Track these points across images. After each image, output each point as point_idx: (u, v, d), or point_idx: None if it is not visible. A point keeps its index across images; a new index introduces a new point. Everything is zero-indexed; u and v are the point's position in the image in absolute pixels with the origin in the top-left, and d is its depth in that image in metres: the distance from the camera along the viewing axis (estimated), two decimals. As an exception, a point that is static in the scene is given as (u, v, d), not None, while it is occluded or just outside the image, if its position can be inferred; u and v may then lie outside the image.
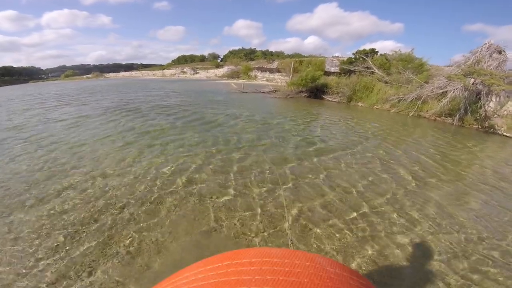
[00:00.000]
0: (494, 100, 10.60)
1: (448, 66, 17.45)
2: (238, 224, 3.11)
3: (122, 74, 53.90)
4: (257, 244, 2.79)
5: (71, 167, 4.67)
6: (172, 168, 4.59)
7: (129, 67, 78.32)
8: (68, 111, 11.02)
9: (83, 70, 69.93)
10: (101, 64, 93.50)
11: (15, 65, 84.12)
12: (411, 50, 15.59)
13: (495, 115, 10.57)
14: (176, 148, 5.73)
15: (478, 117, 10.53)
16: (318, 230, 3.01)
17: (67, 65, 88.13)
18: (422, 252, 2.77)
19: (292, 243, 1.97)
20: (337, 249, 2.75)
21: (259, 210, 3.37)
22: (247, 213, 3.31)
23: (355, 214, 3.38)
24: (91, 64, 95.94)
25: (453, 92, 11.13)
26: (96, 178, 4.20)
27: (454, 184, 4.50)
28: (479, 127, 10.35)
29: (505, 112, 10.33)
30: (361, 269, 2.52)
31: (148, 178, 4.21)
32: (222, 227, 3.06)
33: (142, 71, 56.54)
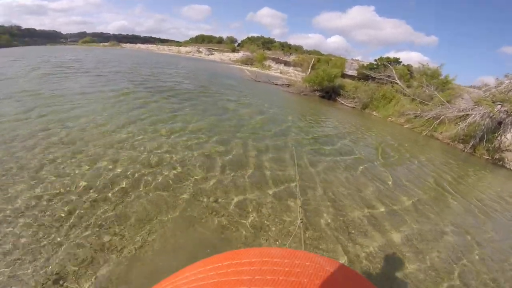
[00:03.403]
0: (512, 132, 10.09)
1: (471, 87, 16.76)
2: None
3: (139, 46, 53.11)
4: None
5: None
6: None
7: (147, 40, 77.42)
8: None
9: (102, 38, 69.39)
10: (120, 34, 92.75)
11: (37, 28, 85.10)
12: (440, 65, 14.81)
13: (509, 149, 10.08)
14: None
15: (491, 148, 10.06)
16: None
17: (88, 32, 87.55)
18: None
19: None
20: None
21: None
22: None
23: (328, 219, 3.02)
24: (111, 33, 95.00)
25: (474, 117, 10.58)
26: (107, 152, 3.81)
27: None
28: (489, 158, 9.90)
29: (518, 146, 9.84)
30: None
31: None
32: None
33: (158, 45, 55.56)
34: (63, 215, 2.48)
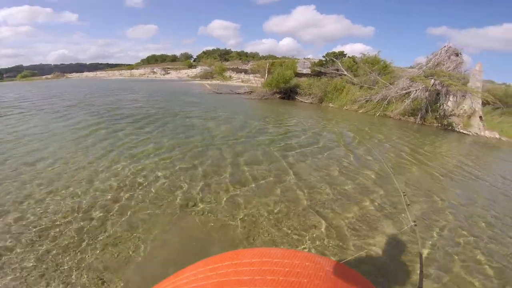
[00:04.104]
0: (451, 99, 11.56)
1: (411, 68, 18.74)
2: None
3: (86, 74, 50.56)
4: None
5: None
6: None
7: (94, 67, 73.09)
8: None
9: (43, 70, 64.25)
10: (63, 64, 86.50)
11: None
12: (377, 52, 16.49)
13: (453, 114, 11.55)
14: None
15: (438, 116, 11.44)
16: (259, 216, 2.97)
17: (25, 64, 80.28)
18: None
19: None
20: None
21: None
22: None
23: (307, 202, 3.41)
24: (52, 64, 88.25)
25: (415, 93, 11.95)
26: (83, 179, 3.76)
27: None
28: (439, 125, 11.21)
29: (461, 111, 11.28)
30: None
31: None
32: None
33: (108, 71, 53.48)
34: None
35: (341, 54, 19.77)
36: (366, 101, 13.11)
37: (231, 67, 38.81)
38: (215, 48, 63.92)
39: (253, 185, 4.05)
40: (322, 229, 3.05)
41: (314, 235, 2.94)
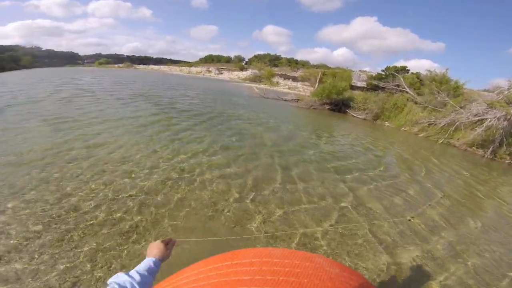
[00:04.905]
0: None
1: (485, 91, 16.43)
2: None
3: (151, 67, 55.92)
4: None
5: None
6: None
7: (159, 61, 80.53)
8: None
9: (117, 59, 72.77)
10: (134, 56, 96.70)
11: (56, 50, 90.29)
12: (445, 70, 14.76)
13: None
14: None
15: None
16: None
17: (103, 53, 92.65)
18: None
19: None
20: None
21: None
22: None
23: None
24: (125, 54, 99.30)
25: (491, 121, 10.36)
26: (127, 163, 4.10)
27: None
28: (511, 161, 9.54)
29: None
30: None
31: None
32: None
33: (170, 66, 58.21)
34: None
35: (404, 69, 18.27)
36: (429, 124, 11.81)
37: (279, 73, 38.90)
38: (266, 53, 65.03)
39: (308, 206, 3.80)
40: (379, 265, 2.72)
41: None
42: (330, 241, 3.02)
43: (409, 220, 3.79)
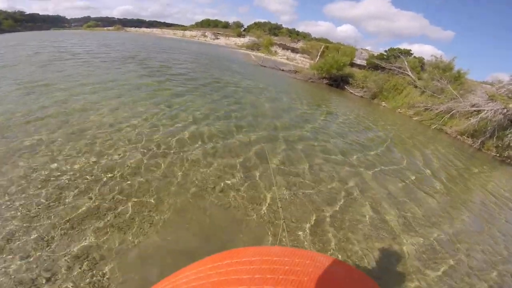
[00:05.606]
0: (525, 130, 9.88)
1: (483, 83, 16.38)
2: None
3: (143, 30, 52.12)
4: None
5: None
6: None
7: (151, 24, 75.69)
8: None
9: (107, 22, 68.47)
10: (125, 18, 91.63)
11: (41, 13, 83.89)
12: (453, 59, 14.34)
13: None
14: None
15: (500, 145, 9.87)
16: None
17: (93, 16, 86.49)
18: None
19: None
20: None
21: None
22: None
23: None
24: (116, 17, 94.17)
25: (487, 113, 10.33)
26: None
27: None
28: (497, 155, 9.74)
29: (530, 145, 9.66)
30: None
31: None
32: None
33: (163, 29, 54.31)
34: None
35: (407, 53, 17.70)
36: (426, 109, 11.68)
37: (278, 42, 37.11)
38: (266, 21, 61.56)
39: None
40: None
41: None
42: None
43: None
